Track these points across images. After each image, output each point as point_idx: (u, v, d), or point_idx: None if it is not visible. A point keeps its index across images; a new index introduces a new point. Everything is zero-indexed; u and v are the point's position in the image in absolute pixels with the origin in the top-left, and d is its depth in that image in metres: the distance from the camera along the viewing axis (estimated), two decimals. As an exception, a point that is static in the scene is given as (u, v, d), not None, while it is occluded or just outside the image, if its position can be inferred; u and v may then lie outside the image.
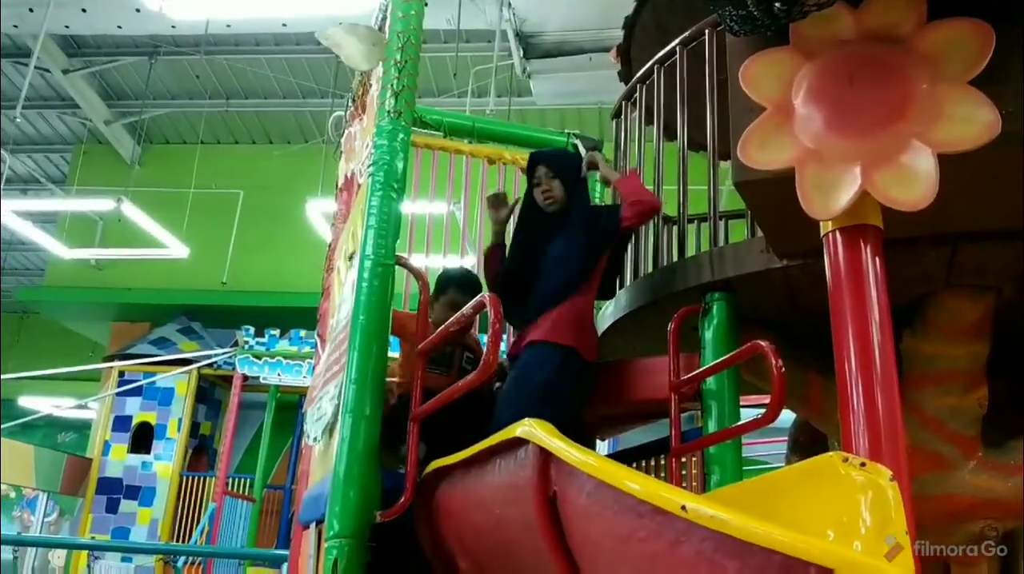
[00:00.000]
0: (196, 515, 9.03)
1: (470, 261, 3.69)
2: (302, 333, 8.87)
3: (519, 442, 1.70)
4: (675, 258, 2.96)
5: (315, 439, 3.00)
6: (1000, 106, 1.71)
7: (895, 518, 1.54)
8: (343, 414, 2.53)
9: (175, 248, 9.73)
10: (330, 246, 3.70)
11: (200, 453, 9.97)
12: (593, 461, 1.44)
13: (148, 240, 9.74)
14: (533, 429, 1.64)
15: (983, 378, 2.49)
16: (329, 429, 2.78)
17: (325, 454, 2.79)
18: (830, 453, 1.71)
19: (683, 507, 1.13)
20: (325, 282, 3.59)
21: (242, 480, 9.23)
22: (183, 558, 7.85)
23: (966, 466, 2.47)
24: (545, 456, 1.59)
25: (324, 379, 3.04)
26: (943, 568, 2.58)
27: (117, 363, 9.70)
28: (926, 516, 2.35)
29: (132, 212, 8.95)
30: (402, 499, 2.37)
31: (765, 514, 1.73)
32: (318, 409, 3.03)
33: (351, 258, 2.88)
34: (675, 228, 3.08)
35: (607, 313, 3.26)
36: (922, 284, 2.41)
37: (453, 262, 3.74)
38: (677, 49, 2.94)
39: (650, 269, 3.06)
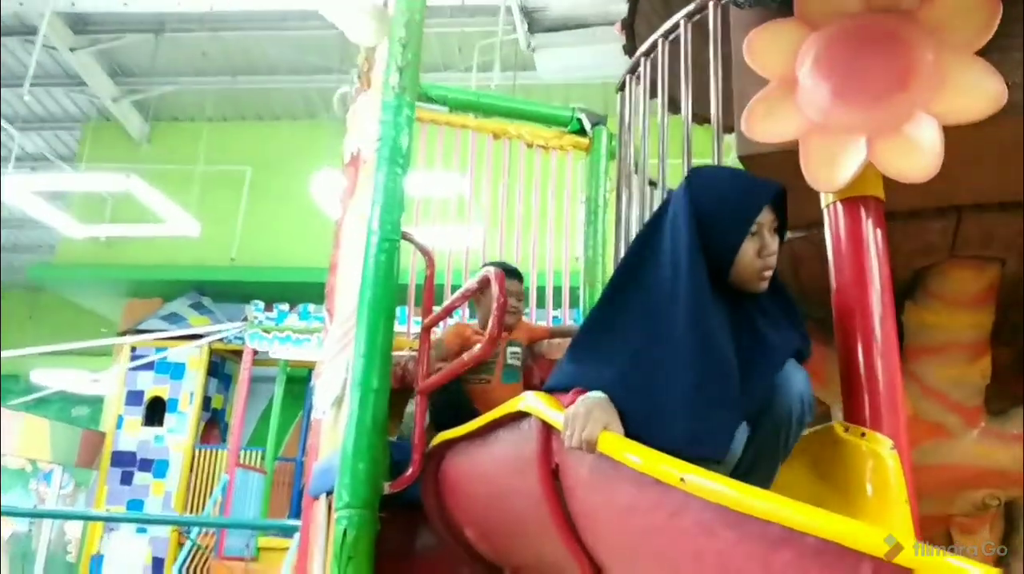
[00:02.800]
0: (209, 487, 9.14)
1: (477, 234, 3.70)
2: (311, 307, 8.90)
3: (522, 415, 1.72)
4: (681, 231, 2.96)
5: (324, 412, 3.04)
6: (1006, 76, 1.70)
7: (895, 487, 1.56)
8: (351, 388, 2.56)
9: (185, 225, 9.75)
10: (337, 221, 3.71)
11: (212, 426, 10.07)
12: (595, 433, 1.45)
13: (157, 217, 9.77)
14: (536, 402, 1.65)
15: (986, 349, 2.49)
16: (338, 402, 2.81)
17: (334, 427, 2.82)
18: (830, 423, 1.73)
19: (682, 479, 1.14)
20: (333, 257, 3.60)
21: (254, 452, 9.33)
22: (197, 529, 7.95)
23: (968, 435, 2.47)
24: (547, 429, 1.60)
25: (333, 353, 3.07)
26: (946, 537, 2.60)
27: (129, 338, 9.78)
28: (928, 485, 2.36)
29: (141, 189, 8.96)
30: (409, 470, 2.40)
31: (768, 484, 1.75)
32: (327, 382, 3.07)
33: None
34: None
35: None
36: (926, 255, 2.40)
37: (460, 234, 3.74)
38: (681, 22, 2.92)
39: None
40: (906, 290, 2.44)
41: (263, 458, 9.15)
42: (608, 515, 1.45)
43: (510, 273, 2.88)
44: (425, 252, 2.84)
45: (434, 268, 2.83)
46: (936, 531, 2.56)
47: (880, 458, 1.57)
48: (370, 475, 2.44)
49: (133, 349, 9.69)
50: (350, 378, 2.59)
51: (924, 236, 2.29)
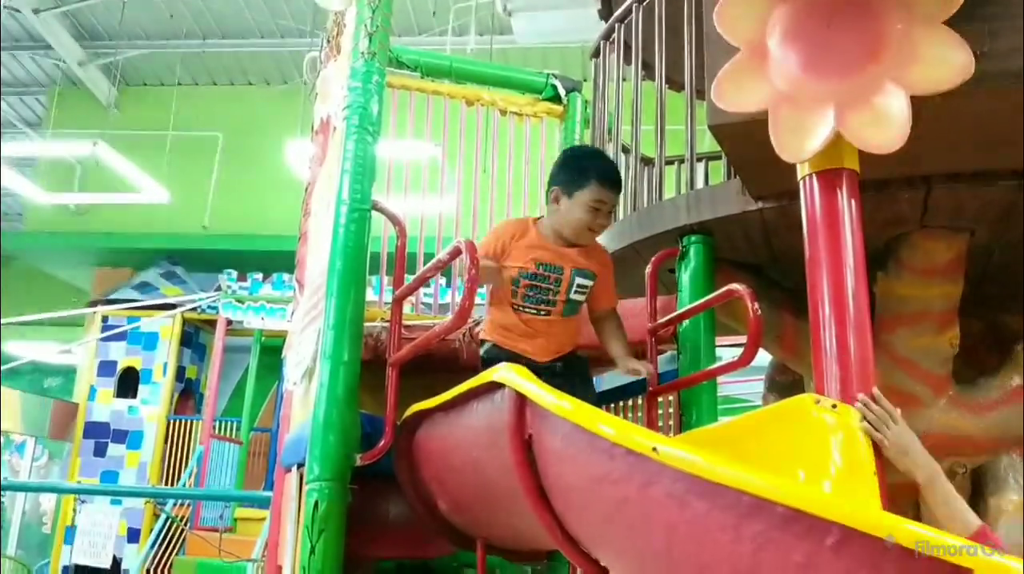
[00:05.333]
0: (184, 458, 9.11)
1: (449, 203, 3.66)
2: (285, 277, 8.84)
3: (496, 386, 1.72)
4: (653, 200, 2.95)
5: (295, 384, 3.02)
6: (975, 47, 1.69)
7: (864, 459, 1.58)
8: (321, 359, 2.54)
9: (155, 192, 9.60)
10: (307, 189, 3.66)
11: (186, 397, 10.02)
12: (568, 405, 1.45)
13: (128, 184, 9.61)
14: (509, 373, 1.65)
15: (955, 318, 2.52)
16: (308, 374, 2.79)
17: (305, 398, 2.81)
18: (802, 395, 1.74)
19: (655, 449, 1.14)
20: (303, 226, 3.56)
21: (229, 423, 9.31)
22: (172, 500, 7.94)
23: (937, 404, 2.51)
24: (521, 400, 1.60)
25: (303, 324, 3.05)
26: (915, 505, 2.64)
27: (101, 308, 9.66)
28: (896, 453, 2.39)
29: (109, 156, 8.80)
30: (381, 442, 2.40)
31: (739, 454, 1.76)
32: (297, 354, 3.04)
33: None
34: (654, 169, 3.07)
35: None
36: (896, 226, 2.41)
37: (432, 204, 3.70)
38: (656, -13, 2.89)
39: (628, 212, 3.06)
40: (877, 261, 2.45)
41: (238, 429, 9.14)
42: (581, 486, 1.46)
43: (606, 176, 2.35)
44: (396, 221, 2.81)
45: (405, 238, 2.80)
46: (906, 499, 2.59)
47: (850, 430, 1.59)
48: (341, 447, 2.43)
49: (105, 319, 9.57)
50: (320, 350, 2.57)
51: (894, 206, 2.30)
